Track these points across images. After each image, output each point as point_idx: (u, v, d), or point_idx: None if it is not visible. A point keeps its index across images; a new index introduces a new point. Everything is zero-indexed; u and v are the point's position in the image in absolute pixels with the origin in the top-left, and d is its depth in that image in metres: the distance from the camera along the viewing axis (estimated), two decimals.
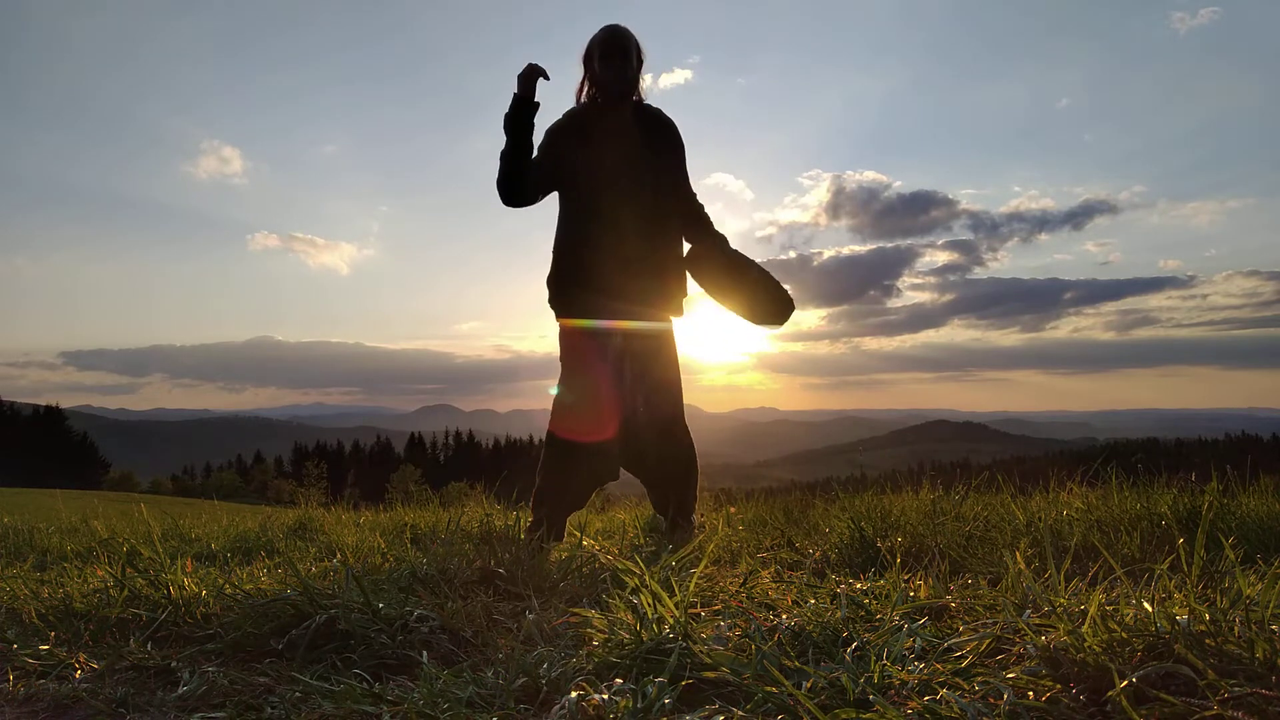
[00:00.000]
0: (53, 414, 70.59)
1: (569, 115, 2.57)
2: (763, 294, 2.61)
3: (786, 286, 2.62)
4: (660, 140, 2.58)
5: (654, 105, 2.63)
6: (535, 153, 2.51)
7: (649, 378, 2.53)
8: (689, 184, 2.65)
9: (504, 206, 2.51)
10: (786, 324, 2.66)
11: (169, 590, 1.64)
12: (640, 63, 2.55)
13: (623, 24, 2.56)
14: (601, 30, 2.54)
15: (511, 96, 2.43)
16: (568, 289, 2.53)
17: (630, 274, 2.49)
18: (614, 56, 2.50)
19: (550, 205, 2.63)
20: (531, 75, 2.41)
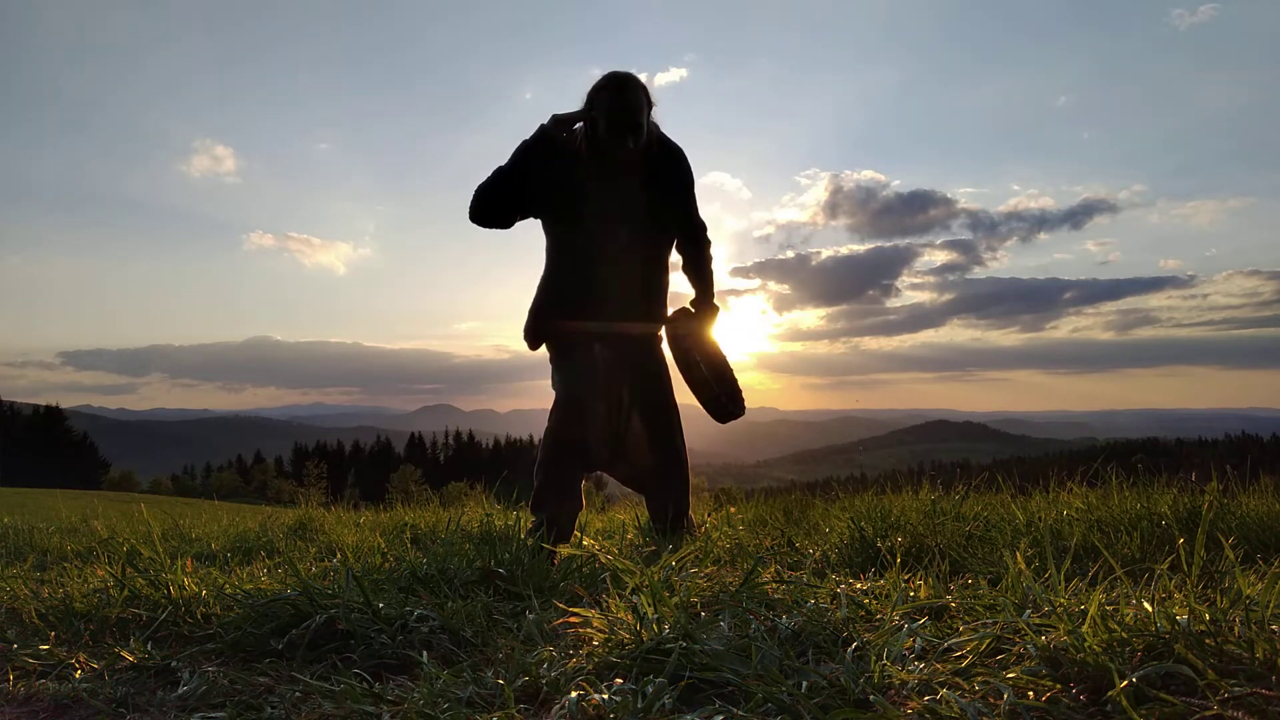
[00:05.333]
0: (53, 414, 70.55)
1: (568, 139, 2.46)
2: (709, 390, 2.58)
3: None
4: (663, 170, 2.48)
5: (660, 134, 2.47)
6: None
7: (638, 384, 2.53)
8: (692, 206, 2.56)
9: (469, 221, 2.42)
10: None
11: (169, 590, 1.64)
12: (650, 111, 2.39)
13: (628, 80, 2.33)
14: (608, 90, 2.32)
15: (539, 126, 2.37)
16: (550, 315, 2.50)
17: (615, 300, 2.47)
18: (622, 133, 2.30)
19: None
20: (569, 122, 2.37)
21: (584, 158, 2.43)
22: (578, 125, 2.43)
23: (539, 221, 2.55)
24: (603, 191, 2.43)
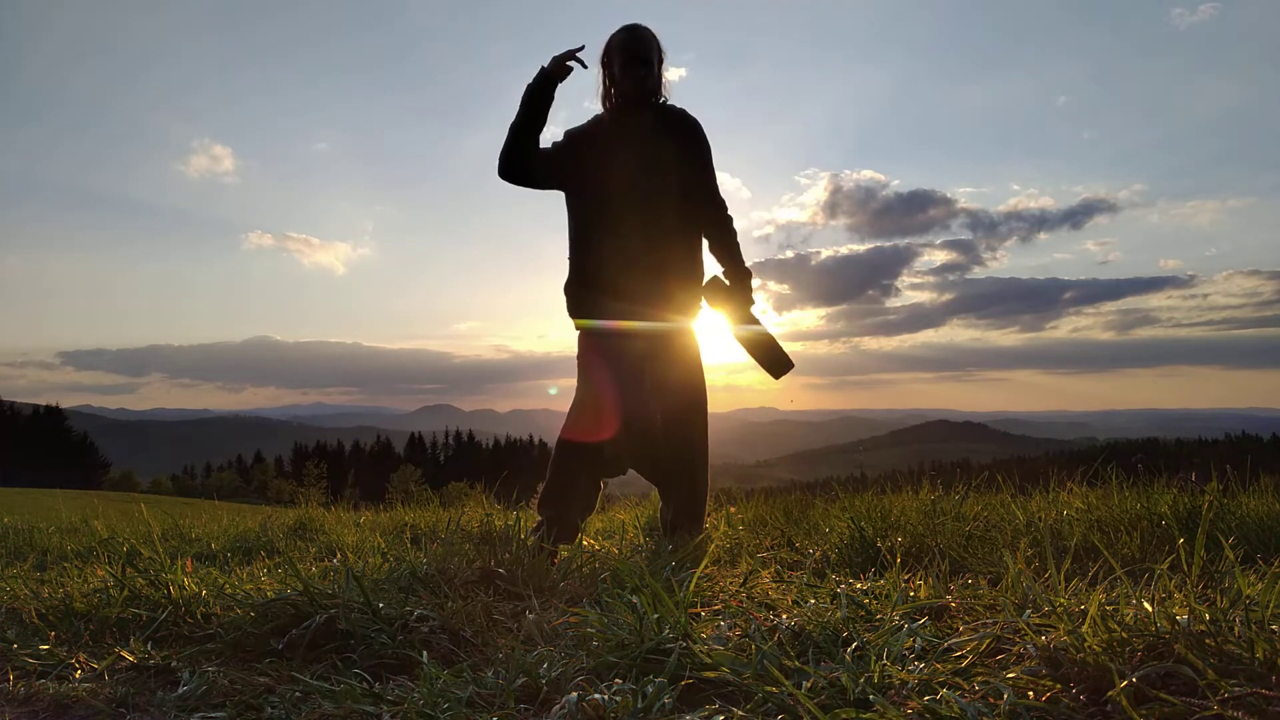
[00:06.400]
0: (53, 414, 70.54)
1: (592, 121, 2.57)
2: (755, 354, 2.62)
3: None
4: (681, 142, 2.54)
5: (677, 106, 2.57)
6: (550, 145, 2.53)
7: (668, 380, 2.54)
8: (713, 184, 2.61)
9: (500, 179, 2.52)
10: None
11: (169, 590, 1.64)
12: (662, 62, 2.53)
13: (639, 24, 2.51)
14: (621, 33, 2.51)
15: (539, 69, 2.44)
16: (581, 294, 2.54)
17: (639, 278, 2.49)
18: (634, 65, 2.47)
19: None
20: (567, 57, 2.44)
21: (605, 133, 2.50)
22: (586, 120, 2.48)
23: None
24: (622, 160, 2.49)
